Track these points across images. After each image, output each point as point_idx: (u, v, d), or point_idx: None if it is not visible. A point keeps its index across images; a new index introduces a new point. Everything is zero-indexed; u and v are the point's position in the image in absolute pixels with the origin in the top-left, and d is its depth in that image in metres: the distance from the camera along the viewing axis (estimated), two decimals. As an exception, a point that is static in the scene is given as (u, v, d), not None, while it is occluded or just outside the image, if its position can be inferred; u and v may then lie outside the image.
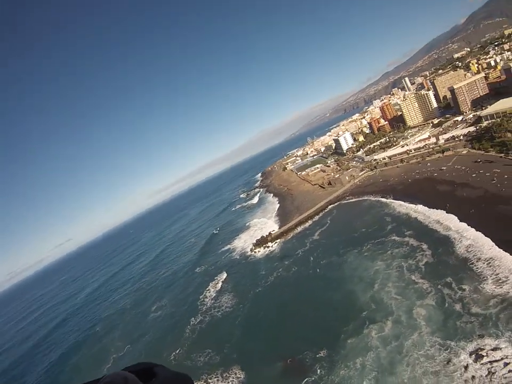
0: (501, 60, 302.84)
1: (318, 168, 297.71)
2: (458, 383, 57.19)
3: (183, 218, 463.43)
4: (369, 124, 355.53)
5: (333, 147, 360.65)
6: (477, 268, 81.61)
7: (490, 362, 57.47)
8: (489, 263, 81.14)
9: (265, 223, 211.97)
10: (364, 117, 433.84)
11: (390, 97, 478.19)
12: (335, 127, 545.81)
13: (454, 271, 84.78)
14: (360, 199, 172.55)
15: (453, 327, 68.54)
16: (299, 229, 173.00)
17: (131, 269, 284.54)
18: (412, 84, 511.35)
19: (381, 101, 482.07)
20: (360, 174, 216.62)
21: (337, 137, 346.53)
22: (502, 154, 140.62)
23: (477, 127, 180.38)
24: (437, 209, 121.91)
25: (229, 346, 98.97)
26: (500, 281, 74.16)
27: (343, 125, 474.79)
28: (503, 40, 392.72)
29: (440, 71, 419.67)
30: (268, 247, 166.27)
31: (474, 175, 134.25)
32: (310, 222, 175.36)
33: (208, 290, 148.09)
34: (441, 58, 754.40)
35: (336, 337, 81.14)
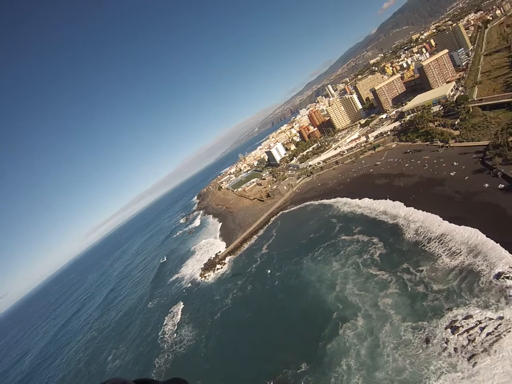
0: (412, 62, 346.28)
1: (253, 182, 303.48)
2: (442, 359, 59.31)
3: (127, 252, 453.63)
4: (299, 132, 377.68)
5: (266, 159, 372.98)
6: (430, 248, 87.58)
7: (467, 331, 60.85)
8: (441, 240, 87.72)
9: (210, 245, 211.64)
10: (293, 127, 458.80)
11: (315, 105, 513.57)
12: (265, 140, 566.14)
13: (408, 256, 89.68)
14: (302, 205, 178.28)
15: (421, 308, 71.69)
16: (246, 246, 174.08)
17: (79, 318, 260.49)
18: (335, 90, 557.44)
19: (307, 110, 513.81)
20: (297, 181, 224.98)
21: (269, 149, 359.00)
22: (428, 142, 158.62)
23: (401, 122, 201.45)
24: (380, 199, 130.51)
25: (200, 383, 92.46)
26: (454, 254, 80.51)
27: (272, 137, 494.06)
28: (412, 44, 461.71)
29: (359, 76, 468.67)
30: (218, 269, 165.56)
31: (407, 164, 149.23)
32: (255, 237, 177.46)
33: (165, 325, 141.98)
34: (359, 65, 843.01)
35: (313, 345, 79.86)
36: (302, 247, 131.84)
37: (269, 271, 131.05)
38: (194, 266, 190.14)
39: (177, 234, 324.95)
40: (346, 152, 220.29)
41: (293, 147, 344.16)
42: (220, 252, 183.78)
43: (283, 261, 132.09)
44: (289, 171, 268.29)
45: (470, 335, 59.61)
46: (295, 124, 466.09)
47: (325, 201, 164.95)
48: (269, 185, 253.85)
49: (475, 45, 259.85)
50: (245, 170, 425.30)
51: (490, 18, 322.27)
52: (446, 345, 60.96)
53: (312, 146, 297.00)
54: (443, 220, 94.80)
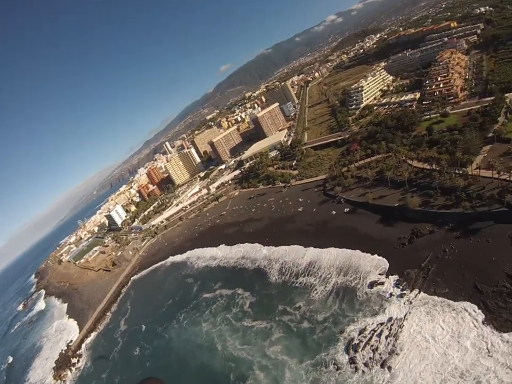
0: (246, 115, 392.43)
1: (96, 251, 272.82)
2: (358, 379, 58.92)
3: None
4: (139, 191, 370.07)
5: (107, 224, 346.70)
6: (300, 282, 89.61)
7: (367, 343, 62.94)
8: (309, 270, 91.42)
9: (59, 333, 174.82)
10: (132, 187, 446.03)
11: (153, 163, 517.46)
12: (104, 204, 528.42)
13: (281, 297, 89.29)
14: (153, 268, 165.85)
15: (314, 342, 71.07)
16: (101, 327, 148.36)
17: None
18: (172, 147, 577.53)
19: (145, 168, 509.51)
20: (142, 244, 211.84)
21: (108, 213, 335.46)
22: (270, 185, 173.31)
23: (242, 170, 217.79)
24: (233, 245, 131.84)
25: None
26: (326, 279, 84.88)
27: (112, 200, 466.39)
28: (245, 101, 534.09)
29: (196, 131, 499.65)
30: (74, 364, 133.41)
31: (254, 209, 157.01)
32: (109, 314, 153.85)
33: None
34: (196, 121, 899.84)
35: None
36: (164, 316, 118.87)
37: (136, 351, 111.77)
38: (44, 368, 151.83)
39: (17, 327, 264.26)
40: (189, 207, 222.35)
41: (133, 208, 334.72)
42: (71, 341, 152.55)
43: (148, 335, 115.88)
44: (133, 234, 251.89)
45: (371, 346, 61.93)
46: (134, 184, 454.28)
47: (176, 259, 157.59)
48: (113, 252, 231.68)
49: (300, 99, 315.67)
50: (85, 238, 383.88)
51: (311, 79, 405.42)
52: (354, 365, 61.41)
53: (153, 205, 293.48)
54: (306, 249, 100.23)
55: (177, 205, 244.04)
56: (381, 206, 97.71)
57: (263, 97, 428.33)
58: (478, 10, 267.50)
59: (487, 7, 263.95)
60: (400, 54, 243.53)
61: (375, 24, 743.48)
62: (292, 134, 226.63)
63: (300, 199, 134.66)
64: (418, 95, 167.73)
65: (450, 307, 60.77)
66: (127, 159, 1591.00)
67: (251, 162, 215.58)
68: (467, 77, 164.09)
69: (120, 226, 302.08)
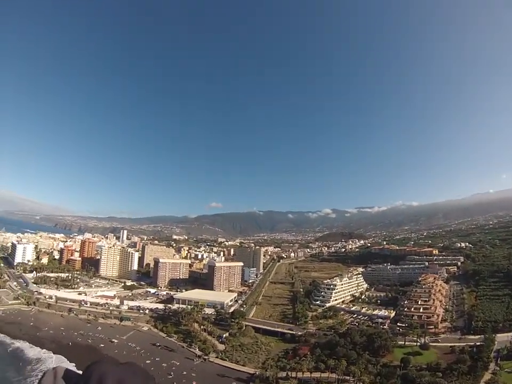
0: (207, 257, 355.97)
1: None
2: None
3: None
4: (61, 251, 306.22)
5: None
6: None
7: None
8: None
9: None
10: (66, 241, 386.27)
11: (102, 238, 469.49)
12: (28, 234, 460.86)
13: None
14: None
15: None
16: None
17: None
18: (128, 239, 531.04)
19: (92, 236, 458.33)
20: (10, 302, 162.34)
21: (17, 243, 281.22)
22: (185, 344, 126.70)
23: (167, 307, 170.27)
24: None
25: None
26: None
27: (40, 236, 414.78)
28: (214, 244, 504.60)
29: (156, 241, 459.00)
30: None
31: (149, 361, 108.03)
32: None
33: None
34: (163, 232, 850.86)
35: None
36: None
37: None
38: None
39: None
40: (88, 304, 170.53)
41: (44, 260, 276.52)
42: None
43: None
44: (15, 283, 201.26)
45: None
46: (69, 240, 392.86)
47: (28, 352, 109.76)
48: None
49: (265, 271, 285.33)
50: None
51: (285, 256, 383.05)
52: None
53: (61, 274, 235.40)
54: None
55: (80, 293, 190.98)
56: None
57: (232, 250, 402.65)
58: (459, 245, 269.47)
59: (467, 243, 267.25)
60: (380, 265, 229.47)
61: (361, 230, 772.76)
62: (239, 301, 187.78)
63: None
64: (393, 314, 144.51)
65: None
66: (86, 216, 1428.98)
67: (181, 306, 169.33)
68: (447, 307, 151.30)
69: (15, 264, 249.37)
